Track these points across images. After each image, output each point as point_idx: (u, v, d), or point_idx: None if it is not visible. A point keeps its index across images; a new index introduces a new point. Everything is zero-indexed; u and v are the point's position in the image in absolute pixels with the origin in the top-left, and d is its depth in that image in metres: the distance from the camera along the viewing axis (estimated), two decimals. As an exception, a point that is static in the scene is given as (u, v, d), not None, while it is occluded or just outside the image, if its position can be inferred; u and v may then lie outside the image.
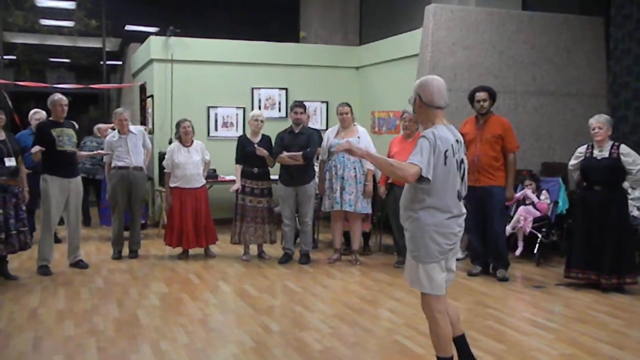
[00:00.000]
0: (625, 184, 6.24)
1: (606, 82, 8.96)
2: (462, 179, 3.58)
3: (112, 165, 7.48)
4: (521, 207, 7.35)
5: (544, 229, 7.25)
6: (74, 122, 7.07)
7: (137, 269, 7.03)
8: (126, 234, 7.65)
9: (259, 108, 9.98)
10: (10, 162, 6.17)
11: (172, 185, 7.43)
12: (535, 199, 7.39)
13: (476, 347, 4.44)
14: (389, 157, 6.37)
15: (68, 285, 6.25)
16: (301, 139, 7.16)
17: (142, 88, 10.96)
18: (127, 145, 7.44)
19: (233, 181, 7.64)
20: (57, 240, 7.79)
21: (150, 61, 10.01)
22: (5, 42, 13.37)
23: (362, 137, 7.11)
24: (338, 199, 7.06)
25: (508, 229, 7.15)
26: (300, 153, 7.01)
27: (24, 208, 6.37)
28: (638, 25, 8.21)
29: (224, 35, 10.52)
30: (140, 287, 6.21)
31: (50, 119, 6.88)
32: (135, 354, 4.37)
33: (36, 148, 6.45)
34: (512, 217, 7.34)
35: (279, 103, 10.35)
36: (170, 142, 9.26)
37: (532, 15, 8.87)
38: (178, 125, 7.50)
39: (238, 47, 10.21)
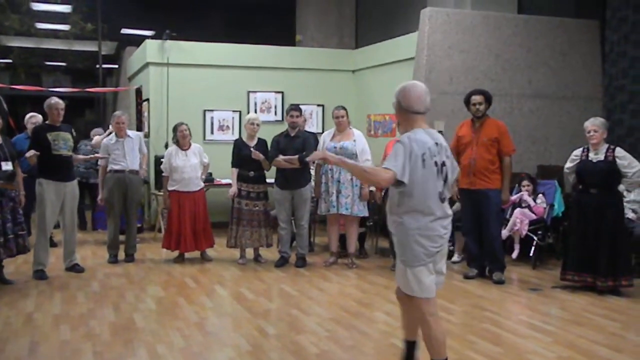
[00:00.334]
0: (621, 187, 6.27)
1: (602, 85, 8.99)
2: (445, 181, 3.58)
3: (108, 168, 7.46)
4: (517, 210, 7.35)
5: (540, 232, 7.25)
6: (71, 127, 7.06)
7: (133, 272, 7.01)
8: (122, 237, 7.63)
9: (255, 111, 9.97)
10: (7, 166, 6.16)
11: (170, 188, 7.42)
12: (532, 202, 7.40)
13: (473, 350, 4.45)
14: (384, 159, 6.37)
15: (64, 289, 6.22)
16: (297, 142, 7.16)
17: (138, 91, 10.95)
18: (123, 149, 7.42)
19: (229, 185, 7.64)
20: (53, 244, 7.77)
21: (146, 65, 10.00)
22: (1, 45, 13.37)
23: (358, 141, 7.11)
24: (334, 202, 7.06)
25: (504, 232, 7.16)
26: (296, 157, 7.02)
27: (21, 212, 6.36)
28: (633, 28, 8.24)
29: (219, 38, 10.53)
30: (137, 291, 6.20)
31: (47, 122, 6.86)
32: (132, 358, 4.36)
33: (31, 152, 6.43)
34: (508, 220, 7.34)
35: (275, 106, 10.35)
36: (166, 146, 9.27)
37: (527, 18, 8.89)
38: (175, 129, 7.49)
39: (234, 50, 10.21)
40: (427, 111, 3.66)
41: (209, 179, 8.77)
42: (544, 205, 7.41)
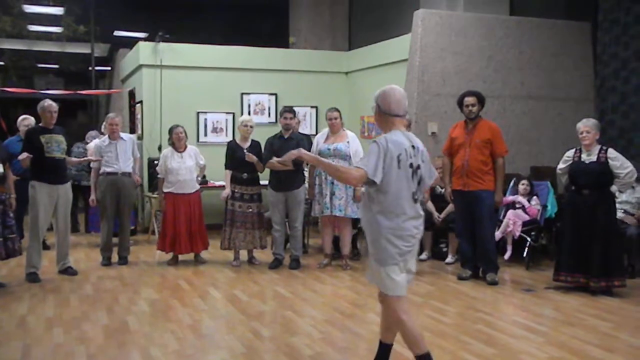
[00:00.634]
0: (613, 188, 6.29)
1: (594, 86, 9.04)
2: (419, 183, 3.67)
3: (101, 171, 7.44)
4: (510, 211, 7.37)
5: (533, 233, 7.28)
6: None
7: (126, 275, 6.99)
8: (115, 240, 7.61)
9: (249, 113, 9.97)
10: (-3, 168, 6.14)
11: (165, 190, 7.41)
12: (526, 204, 7.42)
13: (466, 350, 4.46)
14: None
15: (57, 292, 6.20)
16: (291, 144, 7.13)
17: (131, 94, 10.94)
18: (116, 151, 7.41)
19: (223, 187, 7.63)
20: (46, 247, 7.75)
21: (139, 67, 9.99)
22: (-7, 48, 13.34)
23: (351, 142, 7.11)
24: (328, 204, 7.06)
25: (498, 233, 7.18)
26: (289, 154, 6.99)
27: (11, 215, 6.32)
28: (625, 30, 8.29)
29: (213, 40, 10.52)
30: (130, 293, 6.18)
31: (40, 125, 6.84)
32: (125, 360, 4.36)
33: (24, 155, 6.41)
34: (501, 222, 7.36)
35: (269, 108, 10.35)
36: (159, 148, 9.26)
37: (520, 20, 8.93)
38: (171, 131, 7.47)
39: (227, 52, 10.21)
40: (406, 114, 3.78)
41: (202, 181, 8.76)
42: (539, 207, 7.43)
